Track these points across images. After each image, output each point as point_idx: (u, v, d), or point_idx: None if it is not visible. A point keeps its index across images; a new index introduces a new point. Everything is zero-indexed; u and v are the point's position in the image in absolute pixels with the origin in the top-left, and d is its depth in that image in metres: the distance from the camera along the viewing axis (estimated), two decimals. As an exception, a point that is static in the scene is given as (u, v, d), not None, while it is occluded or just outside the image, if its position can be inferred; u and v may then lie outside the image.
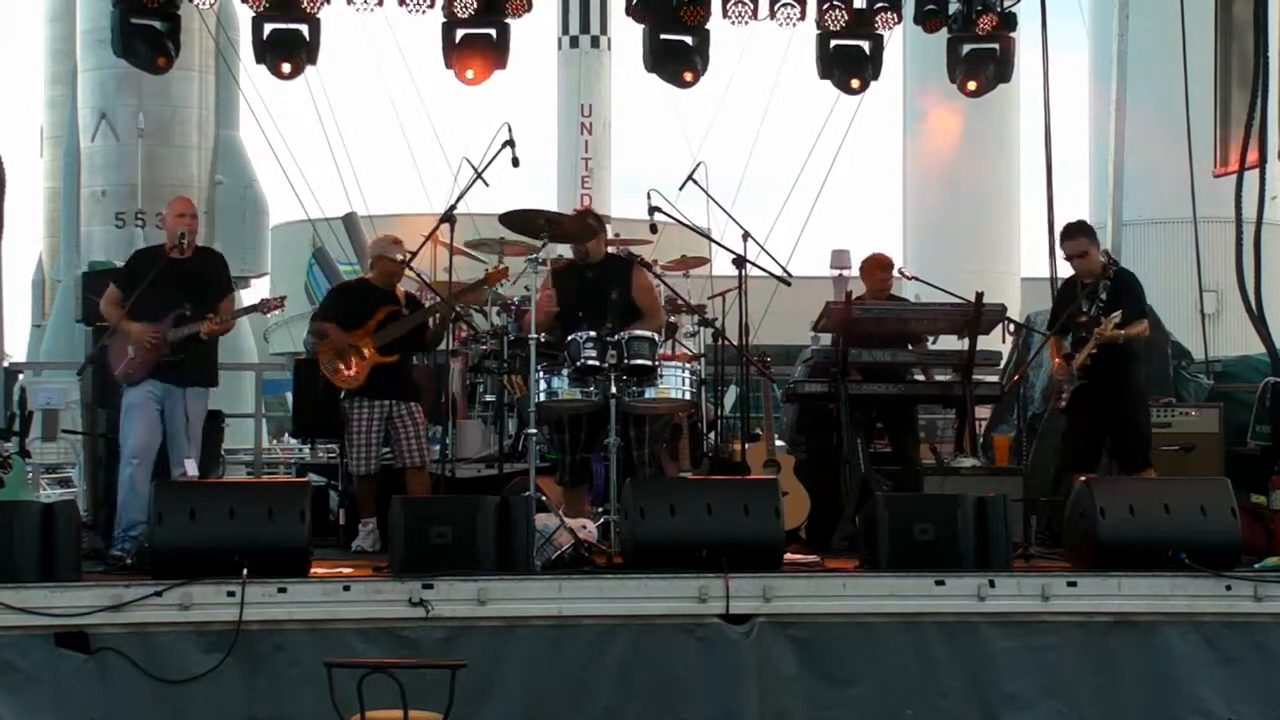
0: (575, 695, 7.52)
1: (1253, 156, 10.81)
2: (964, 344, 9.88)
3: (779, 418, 11.80)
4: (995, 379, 10.80)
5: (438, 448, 9.93)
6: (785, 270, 10.35)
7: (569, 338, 8.64)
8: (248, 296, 20.06)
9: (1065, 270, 13.81)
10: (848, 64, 11.73)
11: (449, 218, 9.59)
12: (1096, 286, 9.25)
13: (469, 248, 11.13)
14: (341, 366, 9.44)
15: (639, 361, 8.50)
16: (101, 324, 9.31)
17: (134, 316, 8.75)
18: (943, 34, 11.89)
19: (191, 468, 8.69)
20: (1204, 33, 12.38)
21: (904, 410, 10.23)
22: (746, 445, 10.16)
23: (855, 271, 11.60)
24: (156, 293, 8.72)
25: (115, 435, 9.25)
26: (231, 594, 7.32)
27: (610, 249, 10.03)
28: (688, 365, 9.21)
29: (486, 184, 9.43)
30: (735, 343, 10.14)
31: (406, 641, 7.42)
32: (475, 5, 11.15)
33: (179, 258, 8.94)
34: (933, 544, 7.91)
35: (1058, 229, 13.84)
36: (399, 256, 9.66)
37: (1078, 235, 9.46)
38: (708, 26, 11.47)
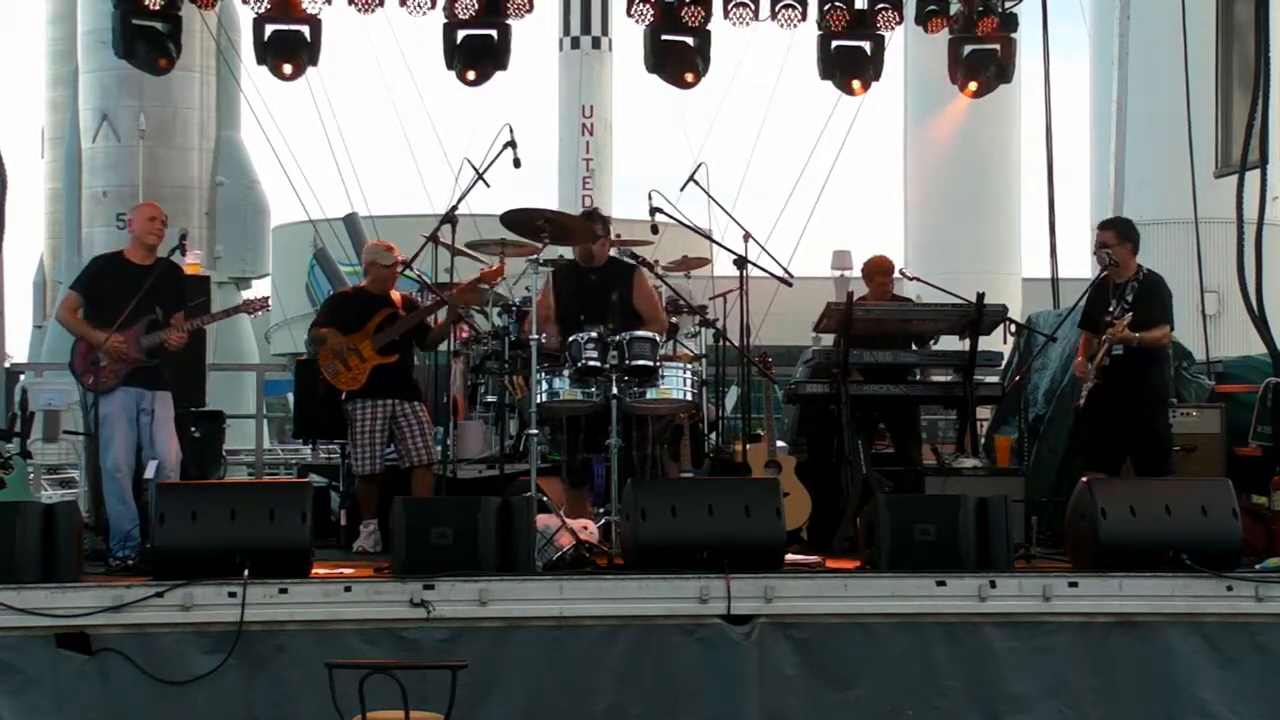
0: (576, 696, 7.52)
1: (1253, 157, 10.80)
2: (965, 345, 9.89)
3: (780, 418, 11.80)
4: (996, 380, 10.81)
5: (439, 448, 9.93)
6: (786, 271, 10.36)
7: (570, 339, 8.65)
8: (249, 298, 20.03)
9: (1066, 271, 13.85)
10: (849, 65, 11.73)
11: (450, 218, 9.59)
12: (1125, 287, 9.25)
13: (470, 248, 11.13)
14: (341, 368, 9.46)
15: (640, 362, 8.50)
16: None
17: (100, 324, 8.53)
18: (944, 34, 11.89)
19: (152, 469, 8.56)
20: (1204, 33, 12.37)
21: (906, 411, 10.23)
22: (748, 446, 10.15)
23: (856, 272, 11.61)
24: (124, 299, 8.45)
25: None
26: (233, 595, 7.32)
27: (612, 251, 10.03)
28: (689, 366, 9.21)
29: (488, 185, 9.44)
30: (736, 343, 10.14)
31: (408, 642, 7.42)
32: (476, 6, 11.16)
33: (144, 264, 8.70)
34: (934, 544, 7.91)
35: (1058, 229, 13.99)
36: (390, 262, 9.66)
37: (1106, 229, 9.46)
38: (709, 27, 11.48)
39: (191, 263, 13.94)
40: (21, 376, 12.83)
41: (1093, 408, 9.20)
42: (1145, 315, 9.07)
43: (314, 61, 11.32)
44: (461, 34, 11.32)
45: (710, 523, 7.82)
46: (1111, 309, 9.17)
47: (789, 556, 8.23)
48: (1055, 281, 13.85)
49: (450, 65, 11.36)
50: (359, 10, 11.04)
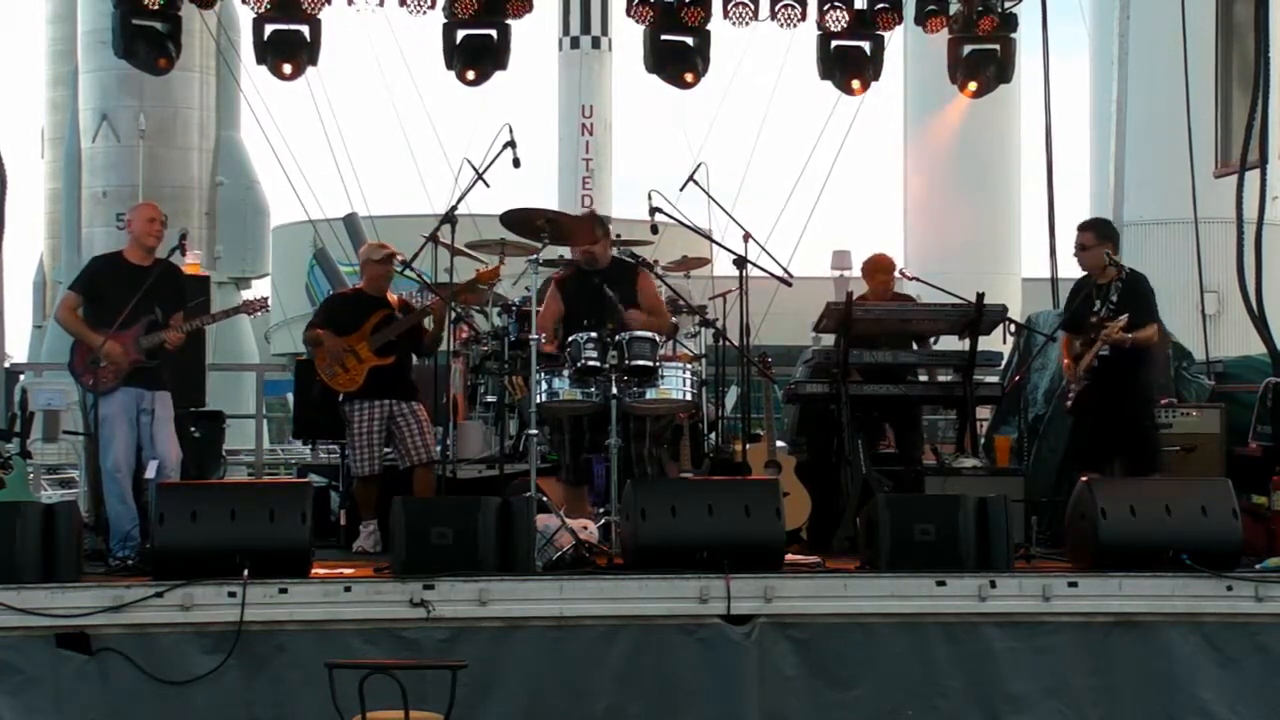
0: (576, 696, 7.52)
1: (1253, 157, 10.80)
2: (965, 345, 9.89)
3: (780, 418, 11.80)
4: (996, 380, 10.81)
5: (438, 448, 9.93)
6: (786, 271, 10.35)
7: (569, 339, 8.65)
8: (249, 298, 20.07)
9: (1066, 271, 13.85)
10: (848, 65, 11.73)
11: (450, 218, 9.60)
12: (1109, 288, 9.25)
13: (470, 248, 11.14)
14: (339, 370, 9.49)
15: (640, 362, 8.50)
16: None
17: (100, 324, 8.54)
18: (943, 35, 11.89)
19: (153, 469, 8.57)
20: (1204, 33, 12.37)
21: (907, 411, 10.23)
22: (747, 446, 10.15)
23: (856, 272, 11.60)
24: (123, 300, 8.46)
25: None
26: (233, 595, 7.32)
27: (613, 251, 10.03)
28: (689, 366, 9.20)
29: (487, 185, 9.43)
30: (736, 343, 10.14)
31: (407, 642, 7.42)
32: (476, 6, 11.16)
33: (143, 265, 8.71)
34: (934, 544, 7.91)
35: (1058, 229, 14.00)
36: (379, 257, 9.69)
37: (1085, 230, 9.48)
38: (708, 27, 11.48)
39: (191, 263, 13.94)
40: (21, 376, 12.81)
41: (1082, 408, 9.22)
42: (1133, 315, 9.08)
43: (314, 61, 11.32)
44: (461, 34, 11.31)
45: (710, 523, 7.81)
46: (1097, 310, 9.18)
47: (789, 556, 8.23)
48: (1055, 281, 13.84)
49: (450, 65, 11.35)
50: (359, 11, 11.06)
